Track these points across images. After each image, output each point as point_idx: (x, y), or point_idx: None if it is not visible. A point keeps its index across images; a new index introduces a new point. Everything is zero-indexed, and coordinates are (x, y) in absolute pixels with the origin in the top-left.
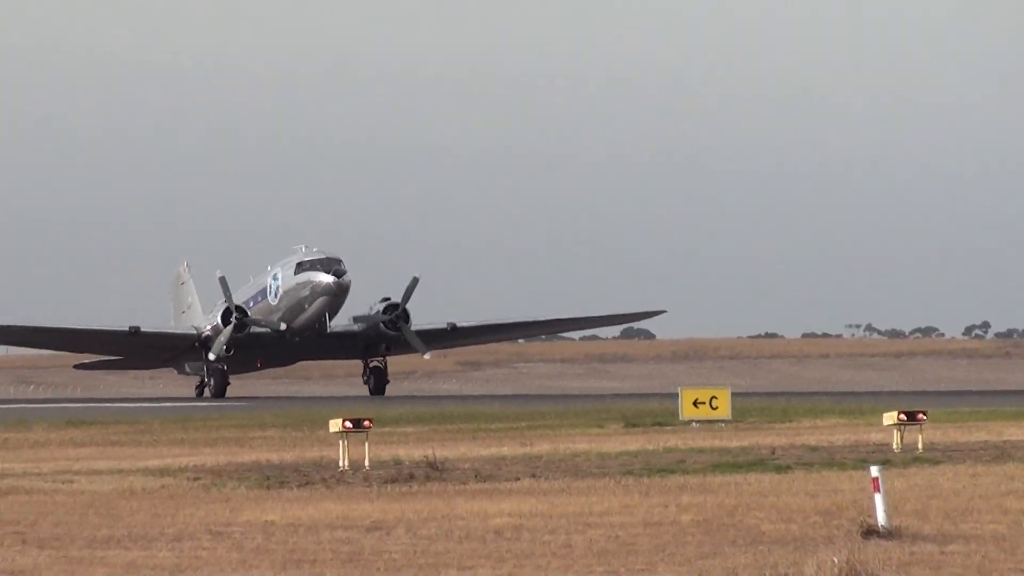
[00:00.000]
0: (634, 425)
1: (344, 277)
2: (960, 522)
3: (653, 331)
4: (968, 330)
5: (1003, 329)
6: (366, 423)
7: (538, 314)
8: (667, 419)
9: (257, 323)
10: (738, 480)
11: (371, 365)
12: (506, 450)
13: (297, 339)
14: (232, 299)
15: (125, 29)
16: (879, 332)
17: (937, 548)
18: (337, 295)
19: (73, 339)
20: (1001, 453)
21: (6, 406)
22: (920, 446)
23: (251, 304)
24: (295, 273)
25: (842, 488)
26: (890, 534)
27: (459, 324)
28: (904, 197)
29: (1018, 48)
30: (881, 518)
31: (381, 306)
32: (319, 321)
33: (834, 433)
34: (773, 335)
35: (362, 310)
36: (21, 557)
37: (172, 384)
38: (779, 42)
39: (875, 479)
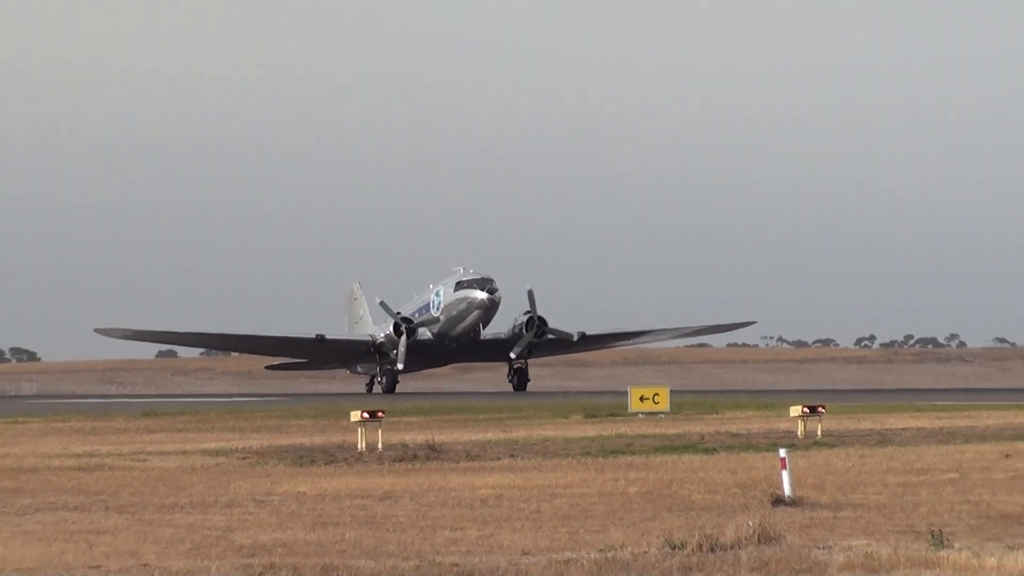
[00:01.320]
0: (592, 416)
1: (496, 294)
2: (850, 493)
3: None
4: (858, 341)
5: (887, 340)
6: (380, 414)
7: (632, 326)
8: (618, 411)
9: (422, 325)
10: (674, 460)
11: (515, 366)
12: (490, 435)
13: (454, 345)
14: (397, 316)
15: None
16: (787, 342)
17: (831, 514)
18: (489, 309)
19: (268, 345)
20: (883, 439)
21: (95, 400)
22: (819, 433)
23: (416, 316)
24: (455, 290)
25: (756, 466)
26: (794, 503)
27: (587, 332)
28: (808, 228)
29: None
30: (787, 490)
31: (524, 319)
32: (474, 330)
33: (751, 423)
34: (704, 345)
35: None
36: (104, 519)
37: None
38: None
39: (783, 459)
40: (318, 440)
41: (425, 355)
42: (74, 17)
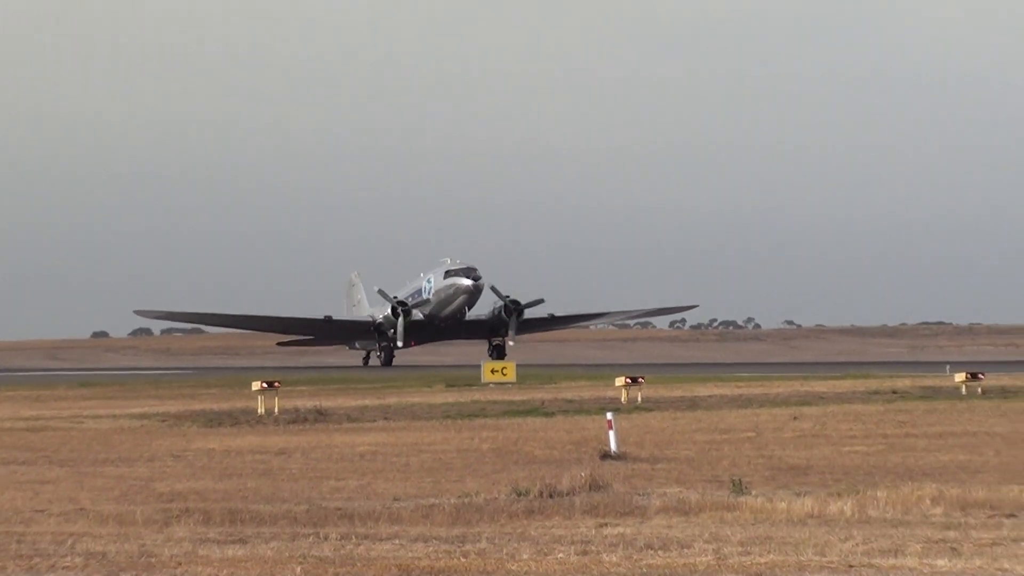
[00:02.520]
0: (452, 385)
1: (480, 281)
2: (665, 449)
3: None
4: (671, 323)
5: (695, 322)
6: (276, 384)
7: (597, 308)
8: (473, 382)
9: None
10: (519, 422)
11: (494, 343)
12: (367, 401)
13: (443, 325)
14: (394, 300)
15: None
16: (613, 325)
17: (649, 466)
18: (474, 294)
19: (283, 324)
20: (692, 404)
21: (40, 373)
22: (639, 399)
23: (410, 300)
24: (444, 278)
25: (588, 427)
26: (619, 457)
27: (556, 314)
28: (631, 231)
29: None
30: (613, 446)
31: (502, 304)
32: (460, 312)
33: (583, 391)
34: None
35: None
36: (48, 472)
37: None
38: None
39: (609, 421)
40: (225, 405)
41: (417, 333)
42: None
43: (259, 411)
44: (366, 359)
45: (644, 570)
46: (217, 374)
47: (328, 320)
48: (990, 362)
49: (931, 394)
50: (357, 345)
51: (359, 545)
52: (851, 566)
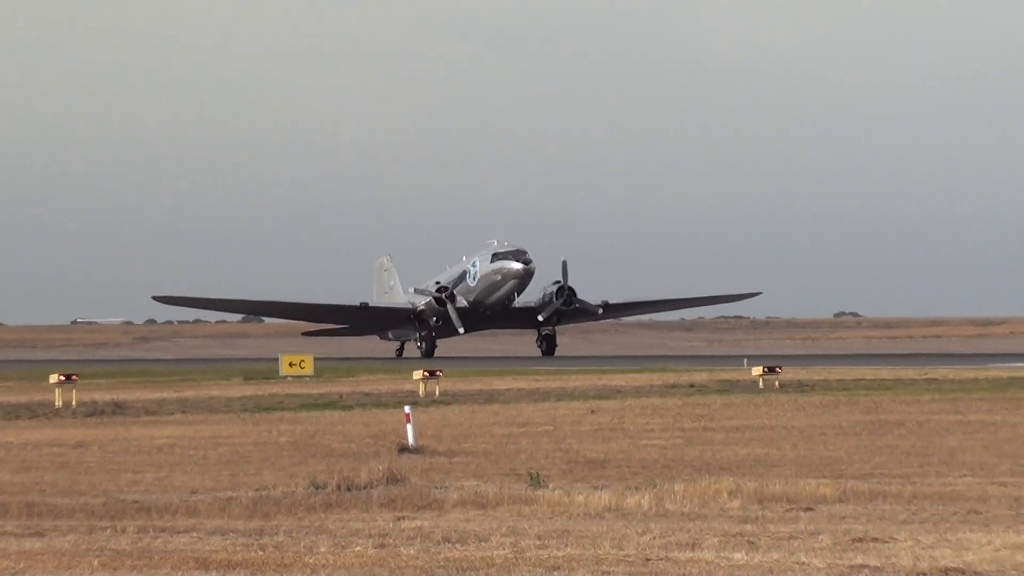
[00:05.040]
0: (250, 378)
1: (530, 264)
2: (463, 442)
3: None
4: None
5: None
6: (74, 377)
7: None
8: (272, 375)
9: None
10: (317, 415)
11: (543, 333)
12: (165, 395)
13: (488, 312)
14: (435, 287)
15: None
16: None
17: (447, 459)
18: (524, 279)
19: (315, 312)
20: (491, 397)
21: None
22: (437, 392)
23: (451, 285)
24: (491, 261)
25: (386, 420)
26: (416, 450)
27: (611, 301)
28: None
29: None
30: (411, 440)
31: (554, 288)
32: (509, 298)
33: (381, 384)
34: None
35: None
36: None
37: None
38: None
39: (407, 414)
40: (23, 398)
41: (461, 321)
42: None
43: (57, 404)
44: (399, 351)
45: (441, 563)
46: (14, 367)
47: (364, 307)
48: (787, 356)
49: (728, 388)
50: (391, 335)
51: (156, 538)
52: (648, 559)
